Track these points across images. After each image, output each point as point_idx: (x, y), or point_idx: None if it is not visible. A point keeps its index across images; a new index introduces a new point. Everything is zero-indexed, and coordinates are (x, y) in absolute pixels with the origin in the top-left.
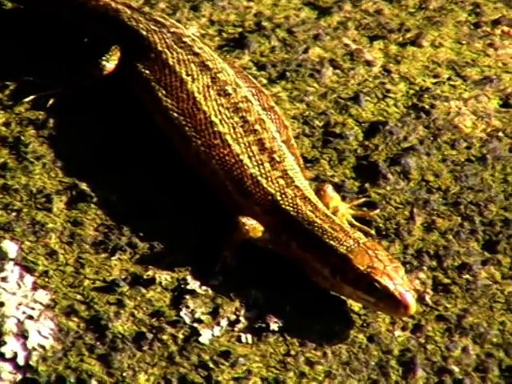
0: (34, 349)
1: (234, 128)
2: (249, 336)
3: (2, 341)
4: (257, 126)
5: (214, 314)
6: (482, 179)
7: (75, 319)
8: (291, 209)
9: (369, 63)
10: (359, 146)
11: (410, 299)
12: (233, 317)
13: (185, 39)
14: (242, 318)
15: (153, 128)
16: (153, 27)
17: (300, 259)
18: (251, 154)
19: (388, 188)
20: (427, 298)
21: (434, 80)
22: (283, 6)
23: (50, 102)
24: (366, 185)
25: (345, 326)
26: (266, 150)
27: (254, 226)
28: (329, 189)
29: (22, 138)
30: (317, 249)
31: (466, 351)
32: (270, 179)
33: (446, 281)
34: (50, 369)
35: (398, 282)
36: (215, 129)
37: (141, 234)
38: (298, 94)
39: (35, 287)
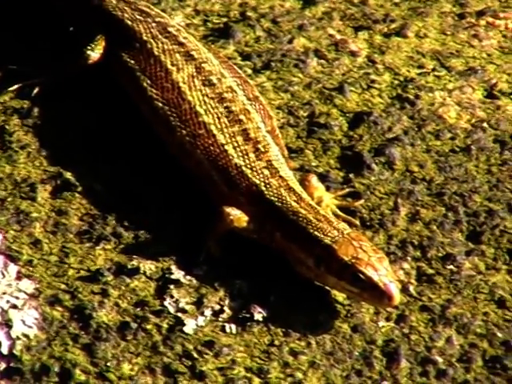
0: (18, 338)
1: (218, 118)
2: (233, 326)
3: None
4: (241, 116)
5: (199, 303)
6: (467, 170)
7: (59, 308)
8: (276, 199)
9: (353, 53)
10: (344, 137)
11: (394, 290)
12: (217, 307)
13: (170, 29)
14: (226, 308)
15: (138, 117)
16: (138, 17)
17: (284, 249)
18: (236, 145)
19: (372, 178)
20: (411, 288)
21: (419, 71)
22: None
23: (35, 91)
24: (351, 175)
25: (329, 316)
26: (251, 141)
27: (238, 216)
28: (313, 179)
29: (7, 126)
30: (301, 239)
31: (449, 342)
32: (254, 169)
33: (430, 271)
34: (34, 358)
35: (382, 272)
36: (200, 119)
37: (125, 224)
38: (283, 84)
39: (19, 276)
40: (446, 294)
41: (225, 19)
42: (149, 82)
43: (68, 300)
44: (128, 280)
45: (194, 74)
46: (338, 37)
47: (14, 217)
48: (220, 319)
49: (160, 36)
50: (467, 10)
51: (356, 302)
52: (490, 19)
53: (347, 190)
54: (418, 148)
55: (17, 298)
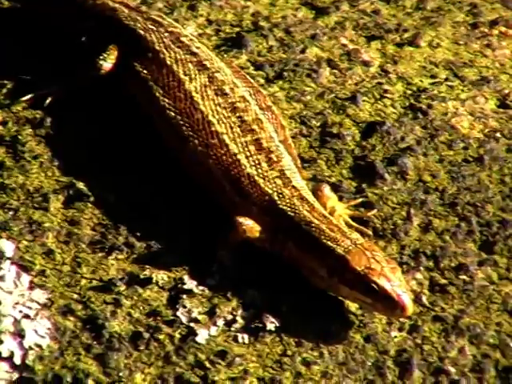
0: (31, 348)
1: (231, 128)
2: (245, 336)
3: None
4: (254, 126)
5: (211, 313)
6: (479, 180)
7: (72, 318)
8: (288, 209)
9: (366, 63)
10: (356, 146)
11: (407, 300)
12: (229, 316)
13: (182, 39)
14: (238, 318)
15: (150, 128)
16: (150, 26)
17: (297, 259)
18: (248, 154)
19: (385, 188)
20: (424, 298)
21: (432, 80)
22: (281, 6)
23: (48, 101)
24: (363, 185)
25: (341, 327)
26: (264, 150)
27: (251, 226)
28: (326, 189)
29: (19, 137)
30: (314, 249)
31: (462, 352)
32: (267, 179)
33: (443, 281)
34: (47, 368)
35: (395, 283)
36: (212, 128)
37: (138, 234)
38: (296, 93)
39: (32, 286)
40: (458, 304)
41: (237, 29)
42: (161, 91)
43: (80, 310)
44: (140, 290)
45: (207, 83)
46: (351, 46)
47: (26, 227)
48: (232, 329)
49: (172, 46)
50: (480, 19)
51: (369, 312)
52: (503, 29)
53: (360, 199)
54: (431, 158)
55: (29, 308)
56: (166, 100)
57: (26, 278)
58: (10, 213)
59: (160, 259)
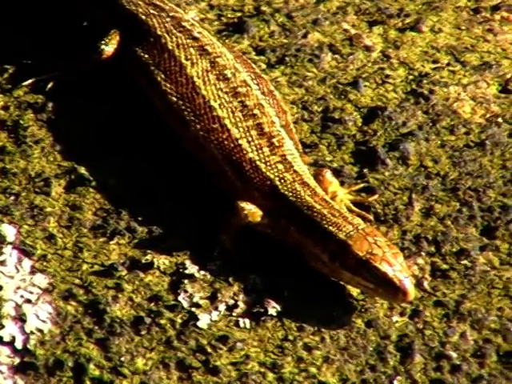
0: (32, 332)
1: (233, 112)
2: (247, 321)
3: (0, 324)
4: (256, 111)
5: (212, 298)
6: (481, 165)
7: (73, 303)
8: (290, 194)
9: (368, 48)
10: (358, 132)
11: (409, 285)
12: (231, 301)
13: (184, 23)
14: (240, 303)
15: (152, 112)
16: (152, 11)
17: (299, 244)
18: (250, 139)
19: (387, 173)
20: (425, 283)
21: (434, 65)
22: None
23: (49, 85)
24: (365, 170)
25: (343, 312)
26: (265, 135)
27: (252, 211)
28: (327, 174)
29: (21, 121)
30: (316, 234)
31: (463, 337)
32: (268, 164)
33: (445, 266)
34: (48, 353)
35: (397, 268)
36: (214, 113)
37: (139, 219)
38: (297, 78)
39: (33, 271)
40: (460, 289)
41: (239, 14)
42: (163, 76)
43: (82, 295)
44: (142, 275)
45: (209, 68)
46: (353, 31)
47: (28, 211)
48: (234, 314)
49: (174, 30)
50: (482, 4)
51: (370, 297)
52: (505, 14)
53: (361, 184)
54: (433, 143)
55: (31, 292)
56: (168, 85)
57: (27, 263)
58: (12, 197)
59: (162, 244)
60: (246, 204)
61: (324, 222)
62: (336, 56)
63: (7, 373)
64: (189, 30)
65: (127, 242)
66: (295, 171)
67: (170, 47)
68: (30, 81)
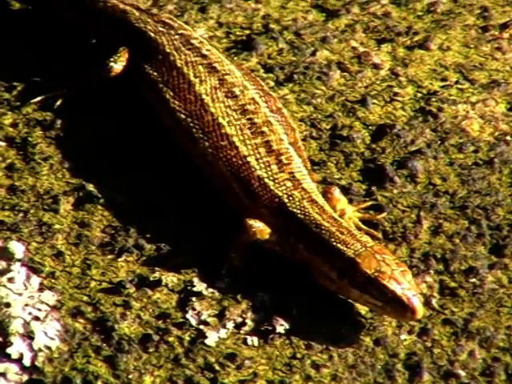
0: (40, 350)
1: (241, 130)
2: (255, 338)
3: (9, 341)
4: (264, 128)
5: (221, 316)
6: (489, 183)
7: (81, 320)
8: (298, 211)
9: (376, 66)
10: (366, 149)
11: (417, 304)
12: (239, 319)
13: (193, 41)
14: (248, 321)
15: (160, 129)
16: (161, 29)
17: (307, 262)
18: (258, 156)
19: (395, 191)
20: (434, 301)
21: (442, 83)
22: (291, 9)
23: (58, 102)
24: (373, 188)
25: (351, 329)
26: (274, 152)
27: (261, 229)
28: (336, 191)
29: (30, 138)
30: (324, 252)
31: (472, 355)
32: (277, 181)
33: (453, 285)
34: (56, 370)
35: (405, 286)
36: (222, 130)
37: (147, 236)
38: (306, 96)
39: (42, 288)
40: (468, 308)
41: (248, 31)
42: (171, 93)
43: (90, 312)
44: (150, 292)
45: (217, 85)
46: (361, 49)
47: (36, 229)
48: (242, 332)
49: (183, 48)
50: (490, 22)
51: (378, 315)
52: None
53: (370, 202)
54: (441, 161)
55: (39, 309)
56: (177, 102)
57: (35, 280)
58: (20, 214)
59: (170, 261)
60: (255, 221)
61: (332, 239)
62: (344, 74)
63: None
64: (197, 48)
65: (135, 260)
66: (303, 189)
67: (179, 65)
68: (38, 98)
